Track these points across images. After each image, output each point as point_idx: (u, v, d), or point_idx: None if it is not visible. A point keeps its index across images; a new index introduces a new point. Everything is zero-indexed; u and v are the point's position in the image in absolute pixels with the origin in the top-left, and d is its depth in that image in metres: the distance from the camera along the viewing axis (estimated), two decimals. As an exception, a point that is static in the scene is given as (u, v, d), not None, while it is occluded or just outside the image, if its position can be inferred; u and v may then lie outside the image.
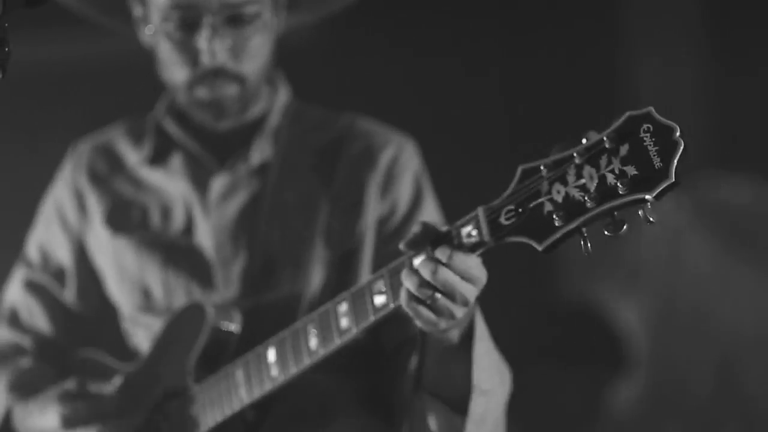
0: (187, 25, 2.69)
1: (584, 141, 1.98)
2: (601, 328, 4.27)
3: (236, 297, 2.72)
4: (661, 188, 1.88)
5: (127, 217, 2.85)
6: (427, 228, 2.15)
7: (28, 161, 4.25)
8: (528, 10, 4.23)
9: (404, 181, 2.79)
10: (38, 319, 2.91)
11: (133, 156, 2.90)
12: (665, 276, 4.26)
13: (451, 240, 2.13)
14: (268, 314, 2.67)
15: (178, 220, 2.81)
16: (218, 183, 2.79)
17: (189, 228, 2.80)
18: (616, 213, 1.95)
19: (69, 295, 2.91)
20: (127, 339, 2.87)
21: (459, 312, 2.14)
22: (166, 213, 2.82)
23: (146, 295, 2.80)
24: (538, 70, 4.21)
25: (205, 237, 2.77)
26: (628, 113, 1.95)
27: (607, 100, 4.45)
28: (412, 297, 2.13)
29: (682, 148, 1.88)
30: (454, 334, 2.25)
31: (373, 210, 2.75)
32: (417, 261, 2.15)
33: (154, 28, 2.74)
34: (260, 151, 2.81)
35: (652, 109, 1.93)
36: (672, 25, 4.50)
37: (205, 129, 2.82)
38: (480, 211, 2.10)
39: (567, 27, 4.30)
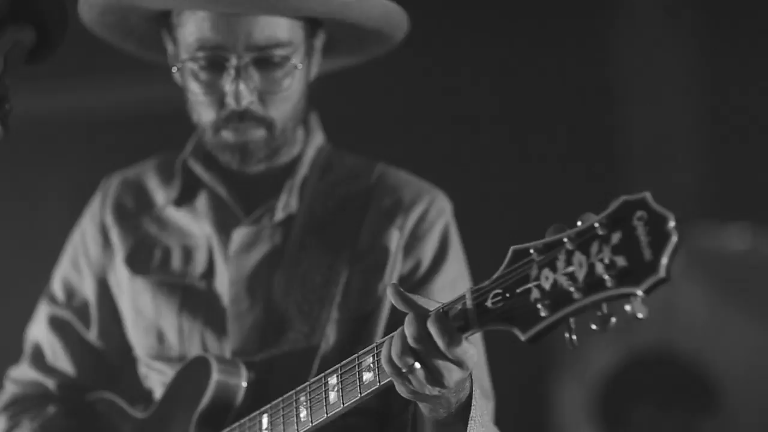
0: (214, 65, 2.63)
1: (579, 224, 1.89)
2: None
3: (247, 350, 2.67)
4: (649, 284, 1.76)
5: (147, 257, 2.81)
6: (416, 307, 2.11)
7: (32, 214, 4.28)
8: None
9: (430, 240, 2.73)
10: (62, 358, 2.88)
11: (160, 194, 2.86)
12: (660, 325, 4.26)
13: (440, 316, 2.06)
14: (279, 371, 2.64)
15: (199, 264, 2.76)
16: (239, 234, 2.74)
17: (209, 273, 2.75)
18: (604, 305, 1.84)
19: (92, 332, 2.87)
20: (143, 382, 2.84)
21: (431, 390, 2.11)
22: (188, 256, 2.78)
23: (160, 339, 2.76)
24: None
25: (222, 285, 2.72)
26: (623, 198, 1.84)
27: (598, 147, 4.47)
28: (389, 360, 2.11)
29: (674, 241, 1.75)
30: (440, 412, 2.21)
31: (395, 271, 2.70)
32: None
33: (178, 67, 2.70)
34: (285, 206, 2.75)
35: (648, 195, 1.82)
36: (664, 69, 4.53)
37: (233, 172, 2.78)
38: (468, 294, 2.04)
39: (558, 75, 4.32)
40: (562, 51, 4.30)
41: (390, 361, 2.11)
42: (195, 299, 2.74)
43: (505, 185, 4.18)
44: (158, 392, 2.77)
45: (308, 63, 2.72)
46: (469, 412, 2.21)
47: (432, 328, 2.05)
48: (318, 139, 2.87)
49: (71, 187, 4.22)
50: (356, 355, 2.24)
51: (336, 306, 2.65)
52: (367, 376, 2.20)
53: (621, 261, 1.80)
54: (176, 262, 2.78)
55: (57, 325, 2.89)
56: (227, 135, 2.67)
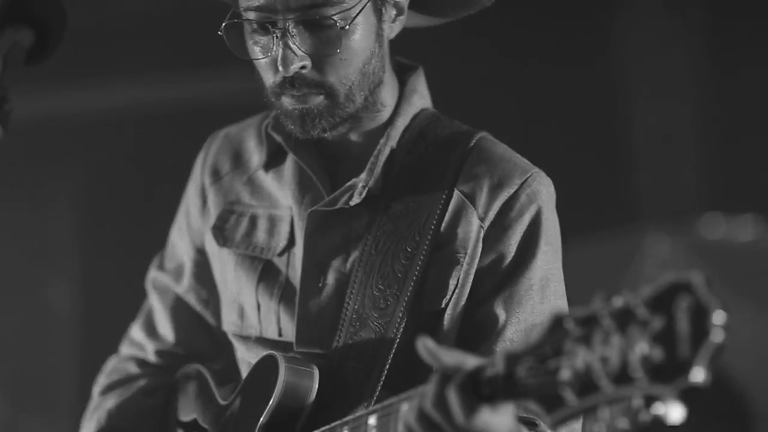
0: (263, 27, 2.39)
1: (621, 299, 1.66)
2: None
3: (314, 341, 2.47)
4: (680, 387, 1.56)
5: (234, 226, 2.62)
6: (444, 365, 1.93)
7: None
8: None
9: (516, 230, 2.41)
10: (162, 323, 2.74)
11: (255, 156, 2.65)
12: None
13: (462, 383, 1.88)
14: (350, 367, 2.44)
15: (281, 238, 2.56)
16: (315, 215, 2.50)
17: (288, 249, 2.55)
18: (635, 401, 1.63)
19: (192, 300, 2.71)
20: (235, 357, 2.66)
21: None
22: (272, 227, 2.58)
23: (241, 315, 2.59)
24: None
25: (299, 265, 2.51)
26: (672, 278, 1.60)
27: (603, 141, 4.46)
28: (408, 426, 1.96)
29: (714, 342, 1.54)
30: None
31: (475, 263, 2.41)
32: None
33: (233, 23, 2.45)
34: (366, 186, 2.47)
35: (695, 277, 1.58)
36: (669, 64, 4.51)
37: (317, 139, 2.52)
38: (500, 361, 1.84)
39: (560, 67, 4.31)
40: (564, 47, 4.29)
41: (408, 426, 1.96)
42: (273, 276, 2.55)
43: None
44: (244, 372, 2.60)
45: (378, 20, 2.45)
46: None
47: (451, 398, 1.88)
48: (417, 103, 2.56)
49: (73, 188, 4.21)
50: (398, 398, 2.06)
51: (411, 301, 2.41)
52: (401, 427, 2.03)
53: (658, 354, 1.59)
54: (261, 233, 2.59)
55: (160, 289, 2.76)
56: (286, 101, 2.42)
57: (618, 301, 1.64)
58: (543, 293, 2.41)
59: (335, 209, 2.49)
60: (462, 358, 1.93)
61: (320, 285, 2.49)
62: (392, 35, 2.50)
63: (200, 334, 2.73)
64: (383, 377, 2.38)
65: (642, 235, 4.49)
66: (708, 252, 4.36)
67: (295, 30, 2.36)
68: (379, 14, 2.44)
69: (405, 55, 2.59)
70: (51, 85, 3.85)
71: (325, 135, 2.45)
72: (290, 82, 2.38)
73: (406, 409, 2.00)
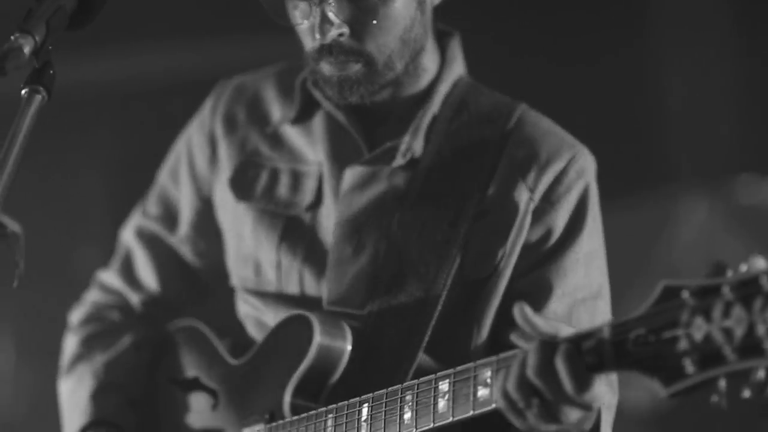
0: None
1: (743, 268, 1.65)
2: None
3: (346, 301, 2.44)
4: None
5: (253, 179, 2.58)
6: (543, 333, 1.90)
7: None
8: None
9: (565, 205, 2.41)
10: (148, 273, 2.70)
11: (277, 109, 2.61)
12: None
13: (571, 353, 1.84)
14: (388, 330, 2.40)
15: (307, 194, 2.52)
16: (354, 173, 2.48)
17: (316, 206, 2.51)
18: (761, 372, 1.62)
19: (186, 250, 2.69)
20: (237, 314, 2.63)
21: (545, 428, 1.90)
22: (296, 182, 2.54)
23: (257, 272, 2.54)
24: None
25: (328, 223, 2.48)
26: None
27: (636, 102, 4.41)
28: (506, 394, 1.92)
29: None
30: None
31: (523, 235, 2.40)
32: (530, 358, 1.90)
33: None
34: (409, 148, 2.47)
35: None
36: (702, 26, 4.46)
37: (360, 108, 2.50)
38: (607, 328, 1.81)
39: (592, 32, 4.26)
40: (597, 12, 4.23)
41: (506, 394, 1.92)
42: (297, 233, 2.51)
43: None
44: (251, 329, 2.57)
45: None
46: None
47: (560, 367, 1.85)
48: (456, 70, 2.56)
49: (105, 156, 4.18)
50: (473, 364, 2.03)
51: (455, 266, 2.38)
52: (483, 392, 2.00)
53: None
54: (283, 188, 2.55)
55: (146, 238, 2.72)
56: (325, 67, 2.40)
57: (740, 273, 1.63)
58: (587, 268, 2.42)
59: (375, 168, 2.47)
60: (558, 326, 1.93)
61: (356, 244, 2.45)
62: (436, 1, 2.47)
63: (186, 285, 2.71)
64: (424, 343, 2.35)
65: (677, 200, 4.45)
66: (746, 216, 4.31)
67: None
68: None
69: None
70: (82, 52, 3.82)
71: (364, 101, 2.43)
72: (328, 50, 2.37)
73: (488, 375, 1.97)
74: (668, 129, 4.50)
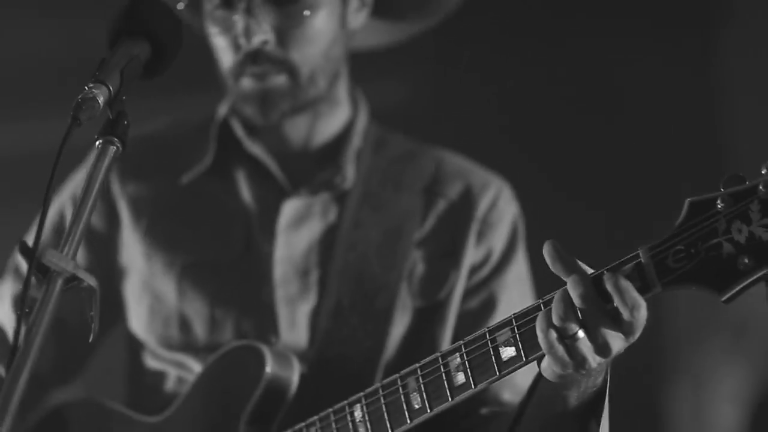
0: (227, 2, 2.37)
1: (764, 171, 1.75)
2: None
3: (298, 340, 2.40)
4: None
5: (170, 232, 2.50)
6: (578, 267, 1.88)
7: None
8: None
9: (501, 229, 2.53)
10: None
11: (187, 158, 2.53)
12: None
13: (620, 279, 1.84)
14: (338, 366, 2.41)
15: (236, 242, 2.47)
16: (291, 207, 2.46)
17: (247, 251, 2.46)
18: None
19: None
20: (148, 375, 2.50)
21: (594, 361, 1.87)
22: (221, 230, 2.48)
23: (184, 328, 2.45)
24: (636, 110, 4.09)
25: (266, 267, 2.44)
26: None
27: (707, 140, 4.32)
28: (548, 332, 1.87)
29: None
30: (572, 394, 1.98)
31: (468, 258, 2.49)
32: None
33: (183, 4, 2.44)
34: (341, 178, 2.49)
35: None
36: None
37: (276, 138, 2.49)
38: (642, 253, 1.83)
39: (660, 55, 4.18)
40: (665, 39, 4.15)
41: (547, 329, 1.87)
42: (230, 281, 2.46)
43: (596, 179, 4.04)
44: (170, 384, 2.47)
45: (342, 3, 2.45)
46: (602, 403, 2.01)
47: (613, 288, 1.83)
48: (365, 112, 2.60)
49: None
50: (485, 329, 1.99)
51: (404, 293, 2.42)
52: (508, 351, 1.95)
53: None
54: (207, 238, 2.49)
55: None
56: (246, 83, 2.39)
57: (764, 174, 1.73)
58: (524, 287, 2.53)
59: (309, 201, 2.47)
60: (584, 266, 1.90)
61: (300, 281, 2.43)
62: (356, 26, 2.50)
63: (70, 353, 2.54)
64: (383, 363, 2.39)
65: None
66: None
67: (259, 4, 2.34)
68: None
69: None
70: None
71: (285, 119, 2.43)
72: (252, 58, 2.36)
73: (542, 321, 1.89)
74: (734, 164, 4.41)
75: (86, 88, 1.78)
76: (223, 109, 2.55)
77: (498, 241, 2.53)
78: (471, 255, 2.49)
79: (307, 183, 2.49)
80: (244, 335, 2.42)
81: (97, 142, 1.80)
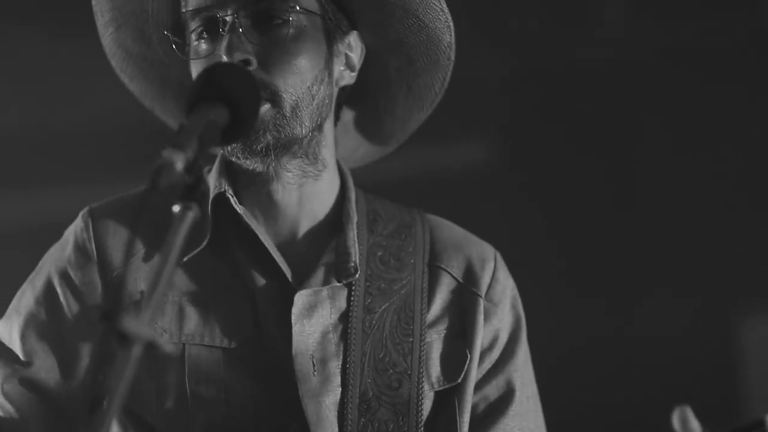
0: (211, 31, 2.30)
1: None
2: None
3: (323, 427, 2.30)
4: None
5: (179, 315, 2.35)
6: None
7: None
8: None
9: (506, 304, 2.47)
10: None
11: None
12: None
13: None
14: None
15: (243, 327, 2.34)
16: (300, 298, 2.34)
17: (258, 340, 2.34)
18: None
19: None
20: None
21: None
22: (229, 313, 2.36)
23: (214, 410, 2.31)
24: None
25: (281, 358, 2.32)
26: None
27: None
28: None
29: None
30: None
31: (479, 339, 2.41)
32: None
33: (175, 43, 2.35)
34: (348, 263, 2.38)
35: None
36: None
37: (273, 214, 2.38)
38: None
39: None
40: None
41: None
42: (237, 366, 2.33)
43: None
44: None
45: (327, 44, 2.36)
46: None
47: None
48: (351, 181, 2.50)
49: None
50: None
51: (422, 381, 2.36)
52: None
53: None
54: (216, 321, 2.35)
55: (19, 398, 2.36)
56: None
57: None
58: (530, 364, 2.48)
59: (317, 289, 2.36)
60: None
61: (320, 374, 2.33)
62: (341, 83, 2.42)
63: None
64: None
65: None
66: None
67: (243, 23, 2.27)
68: (329, 39, 2.37)
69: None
70: None
71: (269, 151, 2.29)
72: None
73: None
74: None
75: (163, 153, 1.76)
76: (211, 179, 2.40)
77: (504, 320, 2.46)
78: (481, 335, 2.42)
79: (313, 270, 2.38)
80: (259, 421, 2.32)
81: (175, 208, 1.78)
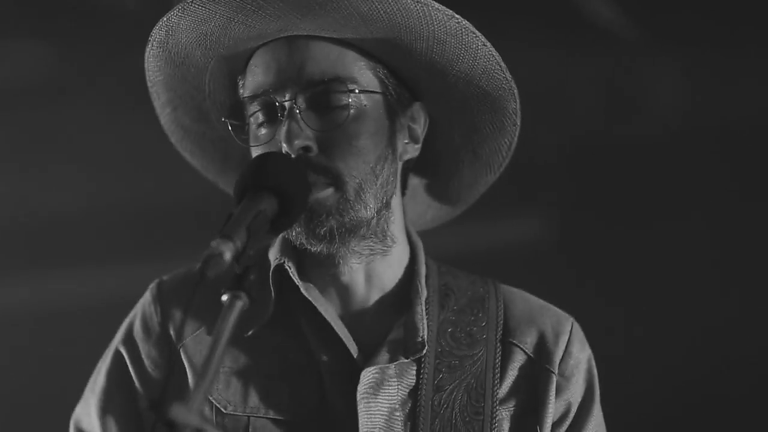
0: (269, 114, 2.27)
1: None
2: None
3: None
4: None
5: (244, 387, 2.33)
6: None
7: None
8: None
9: (579, 378, 2.42)
10: None
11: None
12: None
13: None
14: None
15: (309, 395, 2.32)
16: (368, 374, 2.31)
17: (323, 414, 2.30)
18: None
19: None
20: None
21: None
22: (294, 385, 2.32)
23: None
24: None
25: (339, 425, 2.30)
26: None
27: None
28: None
29: None
30: None
31: (549, 416, 2.38)
32: None
33: (234, 125, 2.34)
34: (417, 338, 2.34)
35: None
36: None
37: (338, 288, 2.36)
38: None
39: None
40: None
41: None
42: None
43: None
44: None
45: (390, 121, 2.33)
46: None
47: None
48: (423, 253, 2.47)
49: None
50: None
51: None
52: None
53: None
54: (280, 394, 2.33)
55: None
56: None
57: None
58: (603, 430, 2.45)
59: (384, 366, 2.32)
60: None
61: None
62: (405, 157, 2.39)
63: None
64: None
65: None
66: None
67: (302, 108, 2.23)
68: (391, 116, 2.33)
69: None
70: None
71: (334, 239, 2.26)
72: None
73: None
74: None
75: (212, 244, 1.80)
76: (272, 253, 2.40)
77: (576, 392, 2.42)
78: (552, 410, 2.38)
79: (379, 347, 2.35)
80: None
81: (224, 297, 1.82)
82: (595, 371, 2.45)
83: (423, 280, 2.42)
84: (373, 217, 2.31)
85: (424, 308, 2.38)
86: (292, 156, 2.21)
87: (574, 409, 2.41)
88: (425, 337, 2.35)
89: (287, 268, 2.35)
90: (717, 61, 3.78)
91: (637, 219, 3.78)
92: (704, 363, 3.73)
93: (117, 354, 2.44)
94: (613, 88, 3.86)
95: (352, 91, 2.26)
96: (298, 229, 2.27)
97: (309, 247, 2.30)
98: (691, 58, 3.78)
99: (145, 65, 2.44)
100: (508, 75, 2.38)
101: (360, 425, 2.29)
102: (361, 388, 2.30)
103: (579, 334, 2.46)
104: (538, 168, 3.71)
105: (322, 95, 2.25)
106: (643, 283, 3.75)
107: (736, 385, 3.73)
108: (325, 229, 2.26)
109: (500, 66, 2.36)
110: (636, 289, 3.72)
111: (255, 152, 2.30)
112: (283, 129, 2.22)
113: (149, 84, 2.48)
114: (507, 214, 3.75)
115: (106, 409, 2.42)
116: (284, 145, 2.21)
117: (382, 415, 2.31)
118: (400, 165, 2.40)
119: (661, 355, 3.77)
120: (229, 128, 2.36)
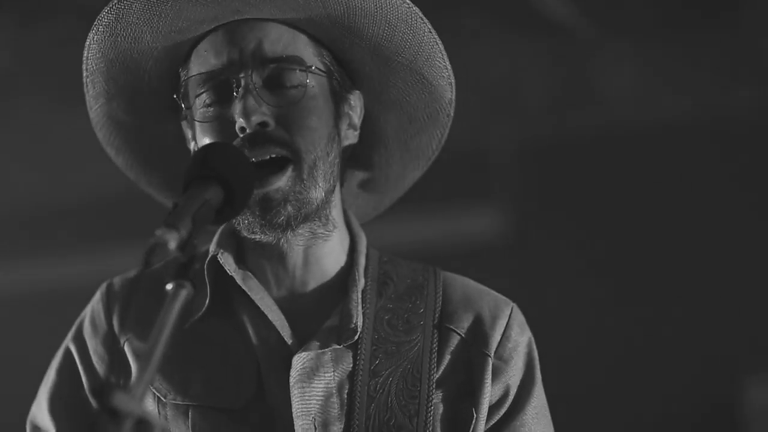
0: (221, 94, 2.28)
1: None
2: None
3: None
4: None
5: (185, 376, 2.35)
6: None
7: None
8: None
9: (517, 361, 2.41)
10: None
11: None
12: None
13: None
14: None
15: (247, 385, 2.34)
16: (301, 360, 2.33)
17: (260, 401, 2.32)
18: None
19: None
20: None
21: None
22: (234, 374, 2.34)
23: None
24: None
25: (282, 420, 2.31)
26: None
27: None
28: None
29: None
30: None
31: (486, 398, 2.37)
32: None
33: (185, 116, 2.35)
34: (351, 325, 2.35)
35: None
36: None
37: (274, 274, 2.38)
38: None
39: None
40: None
41: None
42: (244, 428, 2.33)
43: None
44: None
45: (334, 105, 2.36)
46: None
47: None
48: (364, 242, 2.48)
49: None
50: None
51: None
52: None
53: None
54: (221, 382, 2.35)
55: None
56: None
57: None
58: (546, 419, 2.44)
59: (320, 352, 2.33)
60: None
61: None
62: (345, 142, 2.40)
63: None
64: None
65: None
66: None
67: (258, 85, 2.26)
68: (336, 99, 2.37)
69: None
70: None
71: (287, 233, 2.28)
72: (251, 140, 2.23)
73: None
74: None
75: (157, 233, 1.80)
76: (211, 247, 2.41)
77: (515, 375, 2.41)
78: (488, 394, 2.38)
79: (314, 334, 2.36)
80: None
81: (169, 286, 1.81)
82: (535, 354, 2.44)
83: (361, 269, 2.43)
84: (322, 199, 2.33)
85: (359, 296, 2.39)
86: (249, 131, 2.23)
87: (513, 392, 2.40)
88: (358, 324, 2.36)
89: (220, 260, 2.36)
90: (670, 54, 3.82)
91: (592, 212, 3.81)
92: (650, 354, 3.78)
93: (67, 351, 2.46)
94: (567, 81, 3.89)
95: (308, 69, 2.30)
96: (251, 219, 2.27)
97: (261, 237, 2.32)
98: (643, 51, 3.81)
99: (85, 53, 2.41)
100: (448, 64, 2.41)
101: (293, 410, 2.30)
102: (294, 373, 2.31)
103: (519, 317, 2.45)
104: (493, 163, 3.74)
105: (278, 73, 2.28)
106: (599, 275, 3.78)
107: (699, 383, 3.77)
108: (282, 217, 2.27)
109: (441, 53, 2.39)
110: (592, 281, 3.75)
111: (204, 131, 2.31)
112: (239, 105, 2.24)
113: (85, 73, 2.44)
114: (462, 208, 3.77)
115: (55, 404, 2.43)
116: (241, 119, 2.23)
117: (317, 400, 2.32)
118: (341, 149, 2.41)
119: (617, 346, 3.82)
120: (181, 105, 2.36)
